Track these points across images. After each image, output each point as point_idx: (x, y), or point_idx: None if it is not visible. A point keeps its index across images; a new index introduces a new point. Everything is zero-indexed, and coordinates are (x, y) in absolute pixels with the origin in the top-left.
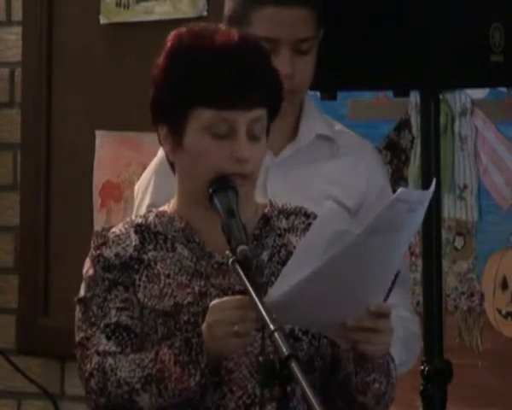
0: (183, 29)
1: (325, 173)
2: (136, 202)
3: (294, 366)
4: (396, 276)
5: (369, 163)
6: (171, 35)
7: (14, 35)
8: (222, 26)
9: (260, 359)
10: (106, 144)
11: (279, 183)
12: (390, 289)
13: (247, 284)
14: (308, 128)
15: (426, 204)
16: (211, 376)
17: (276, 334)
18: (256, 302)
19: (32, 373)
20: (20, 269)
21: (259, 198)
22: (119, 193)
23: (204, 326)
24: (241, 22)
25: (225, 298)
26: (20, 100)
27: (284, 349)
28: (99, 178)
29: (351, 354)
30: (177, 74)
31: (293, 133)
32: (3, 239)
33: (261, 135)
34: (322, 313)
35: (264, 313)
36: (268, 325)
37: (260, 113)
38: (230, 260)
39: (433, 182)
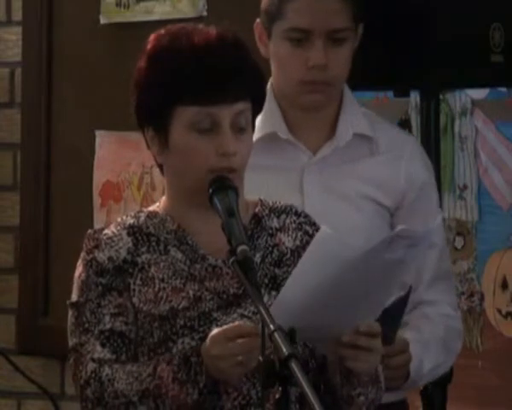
0: (161, 31)
1: (362, 172)
2: None
3: (294, 366)
4: (408, 293)
5: (409, 160)
6: (151, 38)
7: (14, 35)
8: (200, 26)
9: (260, 359)
10: (106, 144)
11: (315, 182)
12: (404, 305)
13: (248, 285)
14: (346, 126)
15: (430, 239)
16: (208, 393)
17: (276, 334)
18: (256, 303)
19: (32, 373)
20: (20, 269)
21: (295, 198)
22: (119, 193)
23: (206, 355)
24: (276, 15)
25: (224, 328)
26: (20, 100)
27: (284, 349)
28: (99, 178)
29: (337, 366)
30: (159, 75)
31: (332, 130)
32: (3, 239)
33: (246, 128)
34: (313, 328)
35: (264, 313)
36: (268, 325)
37: (243, 106)
38: (231, 261)
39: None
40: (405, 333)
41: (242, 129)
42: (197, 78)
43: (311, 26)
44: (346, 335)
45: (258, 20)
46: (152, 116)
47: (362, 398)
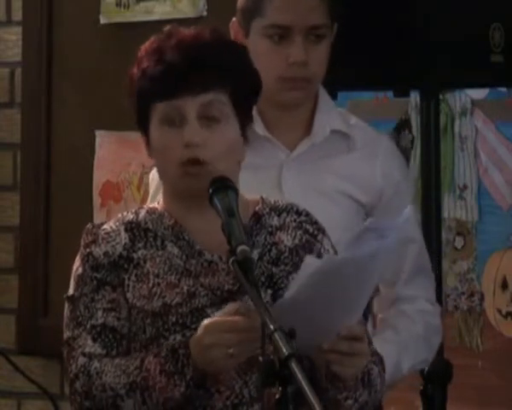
0: (154, 36)
1: (339, 169)
2: (151, 193)
3: (294, 365)
4: None
5: (384, 158)
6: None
7: (14, 35)
8: (182, 27)
9: (260, 359)
10: (106, 144)
11: (293, 178)
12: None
13: (247, 285)
14: (322, 123)
15: (399, 230)
16: (196, 386)
17: (275, 334)
18: (256, 302)
19: (32, 373)
20: (20, 269)
21: (274, 194)
22: (119, 193)
23: (196, 345)
24: (254, 13)
25: (220, 318)
26: (20, 100)
27: (284, 349)
28: (99, 178)
29: (323, 370)
30: (137, 77)
31: (308, 128)
32: (3, 239)
33: (221, 119)
34: (298, 335)
35: (264, 313)
36: (268, 325)
37: (212, 97)
38: (231, 261)
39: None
40: (383, 332)
41: (214, 119)
42: (162, 73)
43: (292, 22)
44: (326, 342)
45: (233, 19)
46: (138, 118)
47: (349, 401)
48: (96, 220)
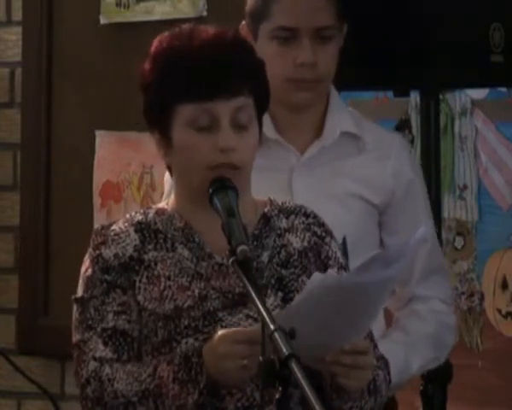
0: (165, 34)
1: (350, 171)
2: (166, 192)
3: (294, 366)
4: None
5: (396, 158)
6: (154, 41)
7: (14, 35)
8: (202, 26)
9: (260, 359)
10: (106, 144)
11: (304, 182)
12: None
13: (248, 285)
14: (333, 125)
15: (407, 255)
16: (208, 394)
17: (275, 334)
18: (256, 303)
19: (32, 373)
20: (20, 269)
21: (285, 197)
22: (119, 193)
23: (210, 353)
24: (262, 16)
25: (235, 329)
26: (20, 100)
27: (284, 349)
28: (99, 178)
29: (329, 381)
30: (158, 75)
31: (319, 130)
32: (3, 239)
33: (248, 124)
34: (303, 346)
35: (264, 313)
36: (268, 325)
37: (243, 101)
38: (231, 261)
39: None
40: (391, 333)
41: (243, 126)
42: (192, 75)
43: (298, 24)
44: (330, 354)
45: (243, 22)
46: (155, 117)
47: None
48: (96, 221)
